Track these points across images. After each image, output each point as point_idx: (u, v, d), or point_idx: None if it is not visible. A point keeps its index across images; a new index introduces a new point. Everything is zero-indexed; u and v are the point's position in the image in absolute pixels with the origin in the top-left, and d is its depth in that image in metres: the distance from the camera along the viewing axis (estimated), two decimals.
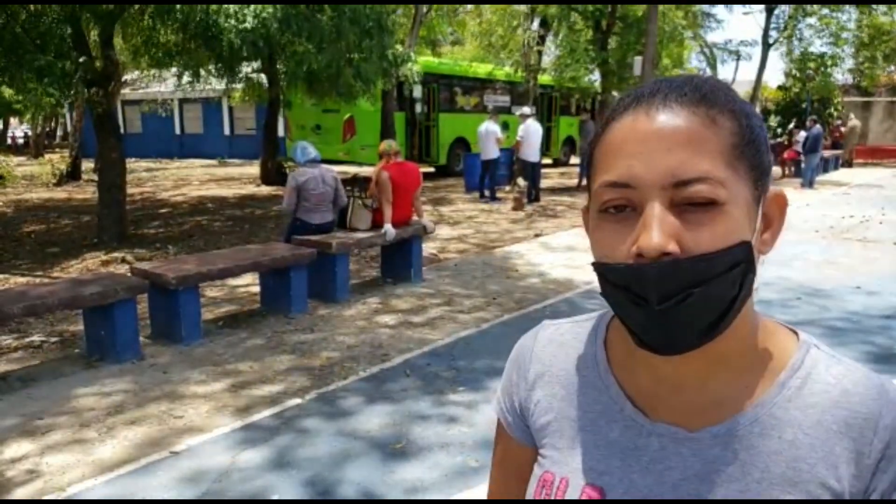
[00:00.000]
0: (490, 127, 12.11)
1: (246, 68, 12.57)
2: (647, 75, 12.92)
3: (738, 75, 30.40)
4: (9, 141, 29.75)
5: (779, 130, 21.44)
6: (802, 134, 15.81)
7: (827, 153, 18.19)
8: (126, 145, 9.17)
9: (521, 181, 11.95)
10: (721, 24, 65.81)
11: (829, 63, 22.03)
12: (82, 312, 4.46)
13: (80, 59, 7.49)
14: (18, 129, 34.52)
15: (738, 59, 25.53)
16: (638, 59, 13.62)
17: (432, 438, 3.29)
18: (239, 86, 13.65)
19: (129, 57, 11.70)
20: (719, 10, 44.25)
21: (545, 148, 15.03)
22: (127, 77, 17.16)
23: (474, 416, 3.52)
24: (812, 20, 21.65)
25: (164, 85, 17.11)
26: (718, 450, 0.63)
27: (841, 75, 24.28)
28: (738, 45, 24.80)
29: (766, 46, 21.55)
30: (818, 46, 22.35)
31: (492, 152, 12.11)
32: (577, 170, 15.79)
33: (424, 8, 16.35)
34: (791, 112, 22.83)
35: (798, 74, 22.98)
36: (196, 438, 3.30)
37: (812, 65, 22.08)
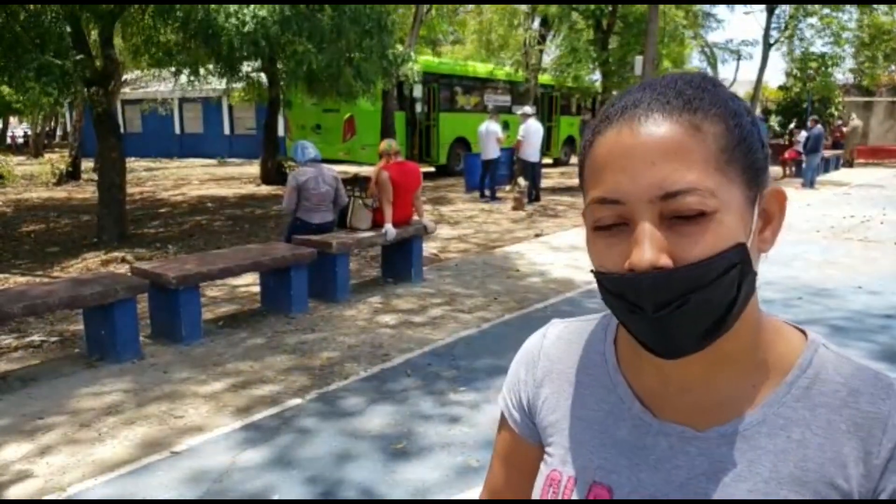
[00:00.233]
0: (491, 126, 12.10)
1: (246, 67, 12.57)
2: (647, 75, 12.90)
3: (739, 75, 30.40)
4: (8, 140, 29.76)
5: (779, 130, 21.44)
6: (803, 134, 15.81)
7: (828, 153, 18.19)
8: (126, 145, 9.17)
9: (521, 181, 11.94)
10: (722, 24, 65.81)
11: (830, 63, 22.03)
12: (82, 312, 4.46)
13: (79, 58, 7.48)
14: (18, 129, 34.53)
15: (738, 59, 25.49)
16: (639, 59, 13.61)
17: (433, 438, 3.28)
18: (239, 85, 13.64)
19: (129, 56, 11.70)
20: (720, 9, 44.28)
21: (545, 148, 15.02)
22: (127, 77, 17.15)
23: (475, 416, 3.52)
24: (813, 20, 21.64)
25: (164, 84, 17.10)
26: (726, 449, 0.63)
27: (842, 75, 24.30)
28: (738, 45, 24.77)
29: (767, 46, 21.54)
30: (819, 46, 22.35)
31: (492, 152, 12.11)
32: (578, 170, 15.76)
33: (425, 7, 16.34)
34: (792, 112, 22.84)
35: (799, 74, 22.98)
36: (196, 438, 3.29)
37: (813, 65, 22.08)
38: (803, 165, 15.23)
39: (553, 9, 15.89)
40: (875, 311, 5.28)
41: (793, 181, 15.51)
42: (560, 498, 0.69)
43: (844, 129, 21.61)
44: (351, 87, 10.49)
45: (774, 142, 20.44)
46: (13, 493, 2.84)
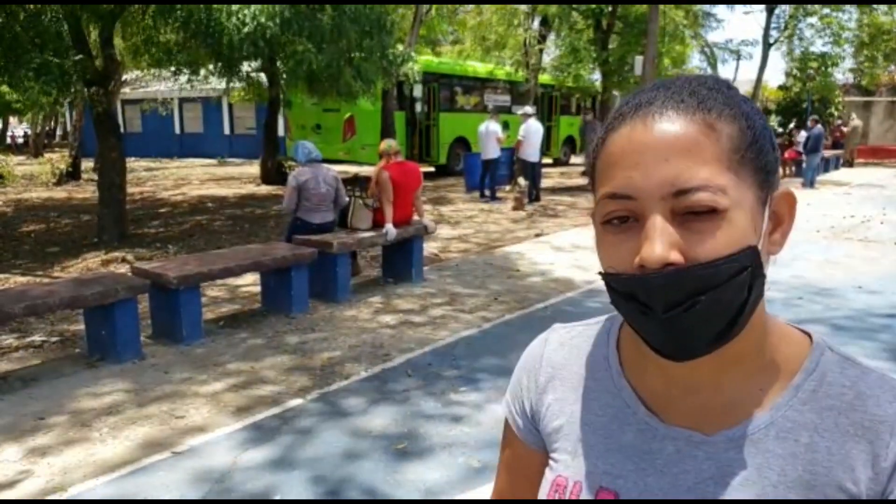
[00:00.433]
0: (491, 126, 12.10)
1: (246, 67, 12.56)
2: (647, 75, 12.92)
3: (739, 75, 30.38)
4: (8, 140, 29.74)
5: (779, 130, 21.43)
6: (803, 134, 15.81)
7: (827, 153, 18.19)
8: (126, 145, 9.16)
9: (521, 181, 11.94)
10: (721, 24, 65.79)
11: (830, 63, 22.03)
12: (83, 312, 4.45)
13: (79, 58, 7.47)
14: (18, 129, 34.51)
15: (738, 59, 25.53)
16: (639, 59, 13.62)
17: (434, 438, 3.28)
18: (239, 85, 13.64)
19: (128, 56, 11.69)
20: (720, 9, 44.27)
21: (545, 147, 15.02)
22: (127, 76, 17.15)
23: (476, 416, 3.51)
24: (813, 19, 21.65)
25: (164, 84, 17.09)
26: (733, 453, 0.63)
27: (841, 75, 24.30)
28: (738, 45, 24.80)
29: (767, 46, 21.55)
30: (819, 46, 22.36)
31: (492, 152, 12.10)
32: (579, 169, 15.77)
33: (425, 7, 16.33)
34: (792, 112, 22.84)
35: (799, 74, 22.98)
36: (197, 439, 3.29)
37: (813, 64, 22.09)
38: (803, 165, 15.23)
39: (553, 8, 15.89)
40: (876, 311, 5.29)
41: (793, 181, 15.50)
42: (568, 499, 0.69)
43: (845, 130, 21.62)
44: (351, 87, 10.48)
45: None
46: (14, 493, 2.84)
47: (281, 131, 16.05)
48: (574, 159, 21.36)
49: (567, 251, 7.85)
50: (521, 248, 8.10)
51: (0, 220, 10.34)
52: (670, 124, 0.58)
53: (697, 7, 20.73)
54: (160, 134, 25.46)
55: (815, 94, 22.68)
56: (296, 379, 4.04)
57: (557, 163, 20.81)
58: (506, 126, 13.91)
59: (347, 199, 6.10)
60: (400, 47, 11.90)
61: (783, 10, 21.67)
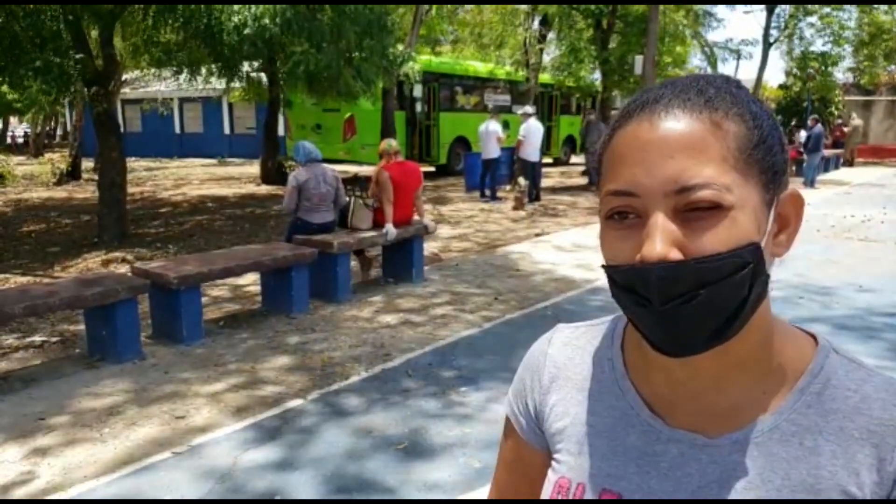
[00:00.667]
0: (491, 126, 12.10)
1: (246, 67, 12.57)
2: (647, 74, 12.92)
3: (739, 74, 30.40)
4: (8, 140, 29.74)
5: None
6: (803, 133, 15.81)
7: (828, 152, 18.19)
8: (126, 144, 9.15)
9: (521, 180, 11.94)
10: (722, 23, 65.84)
11: (830, 62, 22.04)
12: (83, 312, 4.45)
13: (79, 58, 7.47)
14: (18, 129, 34.51)
15: (738, 59, 25.53)
16: (639, 58, 13.62)
17: (435, 439, 3.28)
18: (238, 84, 13.65)
19: (128, 56, 11.69)
20: (720, 8, 44.24)
21: (546, 147, 15.03)
22: (127, 76, 17.14)
23: (477, 416, 3.51)
24: (813, 19, 21.65)
25: (164, 84, 17.09)
26: (737, 456, 0.62)
27: (841, 74, 24.30)
28: (738, 44, 24.80)
29: (767, 45, 21.55)
30: (819, 46, 22.37)
31: (493, 151, 12.10)
32: (579, 169, 15.77)
33: (425, 7, 16.33)
34: (792, 111, 22.85)
35: (799, 73, 22.98)
36: (198, 439, 3.29)
37: (814, 64, 22.09)
38: (804, 165, 15.23)
39: (553, 8, 15.89)
40: (877, 310, 5.28)
41: (793, 180, 15.39)
42: (572, 498, 0.69)
43: (845, 129, 21.62)
44: (351, 87, 10.49)
45: None
46: (15, 493, 2.84)
47: (281, 131, 16.04)
48: (574, 159, 21.35)
49: (568, 250, 7.85)
50: (521, 248, 8.09)
51: (0, 220, 10.34)
52: (676, 122, 0.58)
53: (698, 7, 20.73)
54: (160, 134, 25.45)
55: (816, 93, 22.68)
56: (296, 379, 4.03)
57: (558, 162, 20.81)
58: (506, 126, 13.91)
59: (347, 198, 6.09)
60: (400, 47, 11.89)
61: (783, 9, 21.67)
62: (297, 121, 16.21)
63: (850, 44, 22.91)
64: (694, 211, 0.56)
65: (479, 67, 18.18)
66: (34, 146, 24.15)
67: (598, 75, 17.88)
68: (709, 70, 26.10)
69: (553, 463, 0.73)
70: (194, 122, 25.92)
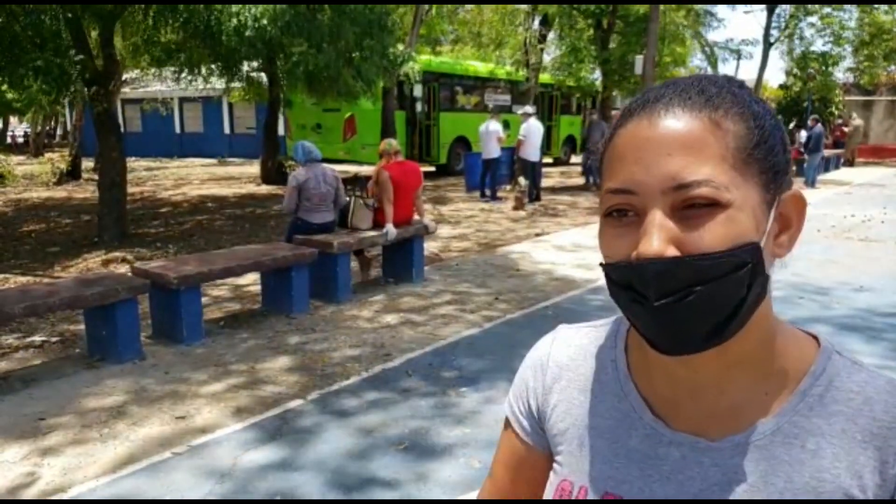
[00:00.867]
0: (492, 126, 12.09)
1: (245, 67, 12.57)
2: (648, 74, 12.92)
3: (740, 74, 30.41)
4: (8, 140, 29.73)
5: None
6: (803, 133, 15.80)
7: (828, 152, 18.19)
8: (126, 144, 9.15)
9: (521, 180, 11.94)
10: (722, 23, 65.79)
11: (830, 62, 22.04)
12: (83, 312, 4.45)
13: (79, 58, 7.46)
14: (18, 129, 34.51)
15: (739, 58, 25.54)
16: (639, 58, 13.61)
17: (435, 439, 3.28)
18: (238, 84, 13.65)
19: (128, 55, 11.69)
20: (720, 8, 44.24)
21: (546, 147, 15.03)
22: (127, 76, 17.15)
23: (477, 417, 3.51)
24: (813, 19, 21.66)
25: (165, 84, 17.09)
26: (740, 459, 0.62)
27: (841, 74, 24.31)
28: (739, 44, 24.79)
29: (767, 45, 21.55)
30: (819, 46, 22.39)
31: (493, 151, 12.10)
32: (580, 169, 15.77)
33: (425, 7, 16.33)
34: (792, 111, 22.84)
35: (799, 73, 22.98)
36: (198, 439, 3.29)
37: (814, 64, 22.09)
38: (804, 165, 15.23)
39: (553, 8, 15.89)
40: (877, 310, 5.28)
41: (794, 181, 15.49)
42: (574, 498, 0.69)
43: (846, 129, 21.61)
44: (351, 87, 10.48)
45: None
46: (14, 493, 2.83)
47: (281, 131, 16.05)
48: (574, 158, 21.35)
49: (568, 250, 7.85)
50: (521, 248, 8.09)
51: (0, 220, 10.34)
52: (675, 120, 0.58)
53: (698, 6, 20.73)
54: (160, 134, 25.45)
55: (816, 93, 22.68)
56: (296, 379, 4.03)
57: (558, 162, 20.81)
58: (506, 125, 13.92)
59: (347, 198, 6.09)
60: (400, 47, 11.89)
61: (784, 9, 21.67)
62: (298, 121, 16.21)
63: (851, 44, 22.91)
64: (692, 208, 0.56)
65: (480, 67, 18.18)
66: (34, 146, 24.15)
67: (598, 75, 17.88)
68: (709, 70, 26.10)
69: (554, 465, 0.73)
70: (194, 121, 25.91)
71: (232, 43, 7.97)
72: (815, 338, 0.67)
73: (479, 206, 11.85)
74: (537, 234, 9.03)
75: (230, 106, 23.86)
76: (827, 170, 18.00)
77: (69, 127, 20.30)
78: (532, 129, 11.90)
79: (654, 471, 0.65)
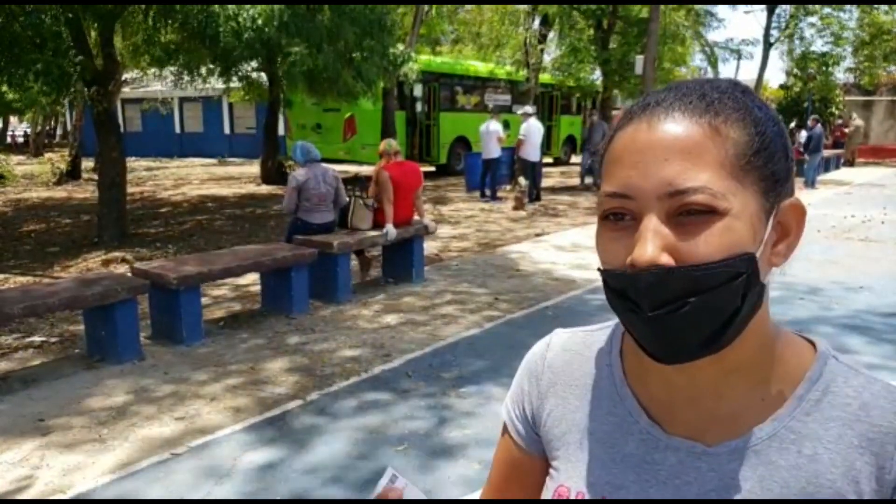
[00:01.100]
0: (492, 126, 12.09)
1: (245, 67, 12.56)
2: (648, 74, 12.92)
3: (740, 74, 30.40)
4: (8, 140, 29.73)
5: None
6: (804, 133, 15.80)
7: (828, 152, 18.19)
8: (126, 144, 9.15)
9: (522, 180, 11.94)
10: (722, 23, 65.77)
11: (830, 62, 22.05)
12: (83, 313, 4.45)
13: (79, 59, 7.47)
14: (18, 129, 34.50)
15: (739, 59, 25.54)
16: (639, 58, 13.61)
17: (435, 439, 3.28)
18: (238, 84, 13.65)
19: (128, 55, 11.69)
20: (721, 8, 44.23)
21: (546, 147, 15.03)
22: (127, 76, 17.14)
23: (477, 417, 3.51)
24: (813, 19, 21.66)
25: (164, 84, 17.10)
26: (736, 465, 0.62)
27: (841, 74, 24.31)
28: (739, 44, 24.79)
29: (768, 45, 21.55)
30: (819, 46, 22.39)
31: (493, 151, 12.10)
32: (579, 169, 15.78)
33: (425, 7, 16.32)
34: (792, 111, 22.84)
35: (799, 74, 22.99)
36: (198, 439, 3.29)
37: (814, 65, 22.10)
38: (804, 165, 15.23)
39: (553, 8, 15.89)
40: (877, 311, 5.27)
41: (794, 181, 15.49)
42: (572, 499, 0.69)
43: (846, 130, 21.61)
44: (351, 87, 10.48)
45: None
46: (14, 494, 2.83)
47: (281, 131, 16.04)
48: (575, 158, 21.35)
49: (568, 250, 7.85)
50: (521, 248, 8.09)
51: (0, 220, 10.34)
52: (674, 125, 0.58)
53: (698, 6, 20.73)
54: (160, 133, 25.44)
55: (816, 93, 22.68)
56: (296, 379, 4.03)
57: (558, 162, 20.81)
58: (506, 125, 13.92)
59: (347, 198, 6.09)
60: (400, 47, 11.89)
61: (784, 9, 21.67)
62: (297, 121, 16.20)
63: (851, 44, 22.91)
64: (688, 215, 0.56)
65: (480, 67, 18.17)
66: (34, 146, 24.14)
67: (598, 75, 17.87)
68: (709, 70, 26.11)
69: (551, 470, 0.73)
70: (194, 121, 25.91)
71: (229, 44, 7.97)
72: (813, 343, 0.66)
73: (479, 206, 11.85)
74: (537, 235, 9.03)
75: (230, 106, 23.85)
76: (827, 170, 18.00)
77: (69, 127, 20.29)
78: (532, 129, 11.90)
79: (651, 476, 0.65)
